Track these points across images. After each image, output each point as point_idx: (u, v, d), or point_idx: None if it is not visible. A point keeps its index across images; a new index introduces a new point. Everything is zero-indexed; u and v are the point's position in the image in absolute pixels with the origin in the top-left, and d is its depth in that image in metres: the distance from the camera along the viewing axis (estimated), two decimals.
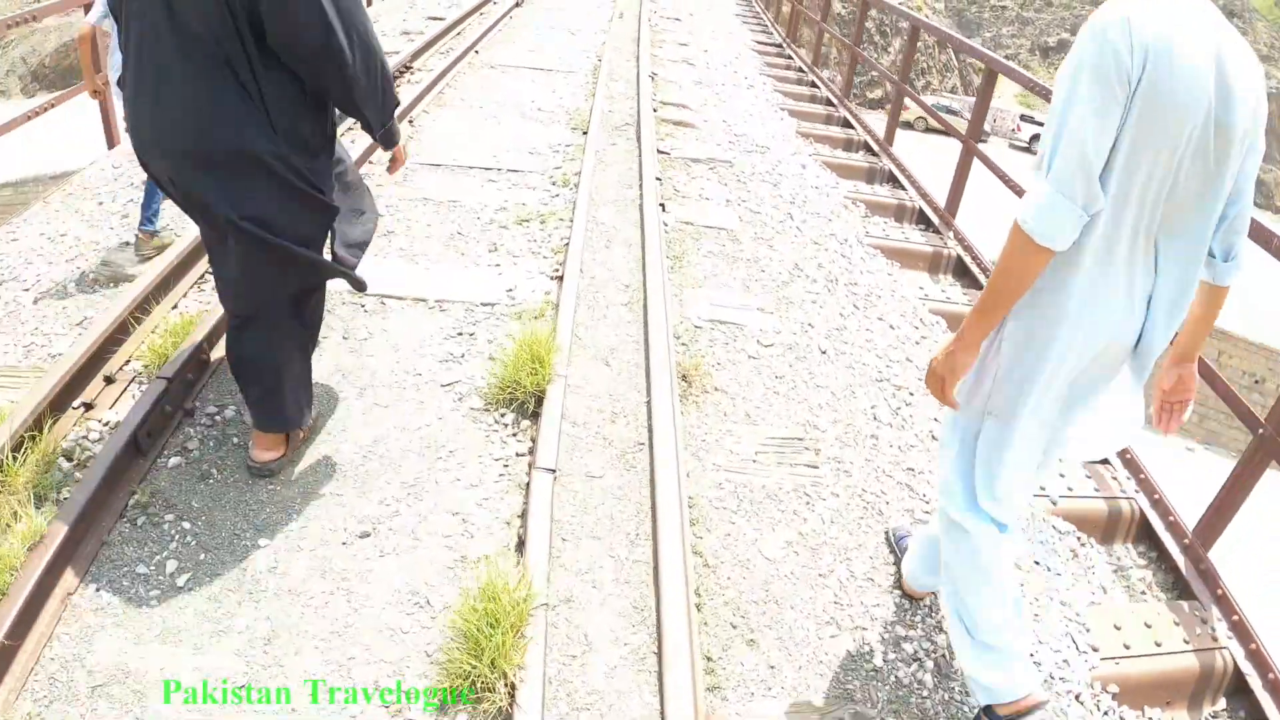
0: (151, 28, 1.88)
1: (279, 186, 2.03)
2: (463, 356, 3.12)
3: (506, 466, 2.63)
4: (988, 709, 1.93)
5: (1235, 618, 2.85)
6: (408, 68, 6.61)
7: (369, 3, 11.68)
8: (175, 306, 3.35)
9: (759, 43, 11.72)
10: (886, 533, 2.66)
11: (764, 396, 3.22)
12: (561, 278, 3.61)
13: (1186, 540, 3.18)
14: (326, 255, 2.34)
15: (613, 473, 2.59)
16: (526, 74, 7.09)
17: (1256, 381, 21.41)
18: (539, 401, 2.79)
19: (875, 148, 7.58)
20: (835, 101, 8.97)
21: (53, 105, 5.16)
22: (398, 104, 2.23)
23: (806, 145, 7.34)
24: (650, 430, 2.72)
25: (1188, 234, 1.60)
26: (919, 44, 35.94)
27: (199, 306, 3.35)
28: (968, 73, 37.37)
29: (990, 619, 1.91)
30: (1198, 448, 19.48)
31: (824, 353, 3.68)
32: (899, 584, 2.48)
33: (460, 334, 3.25)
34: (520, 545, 2.32)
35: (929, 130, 31.95)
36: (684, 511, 2.43)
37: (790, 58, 11.25)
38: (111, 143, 5.89)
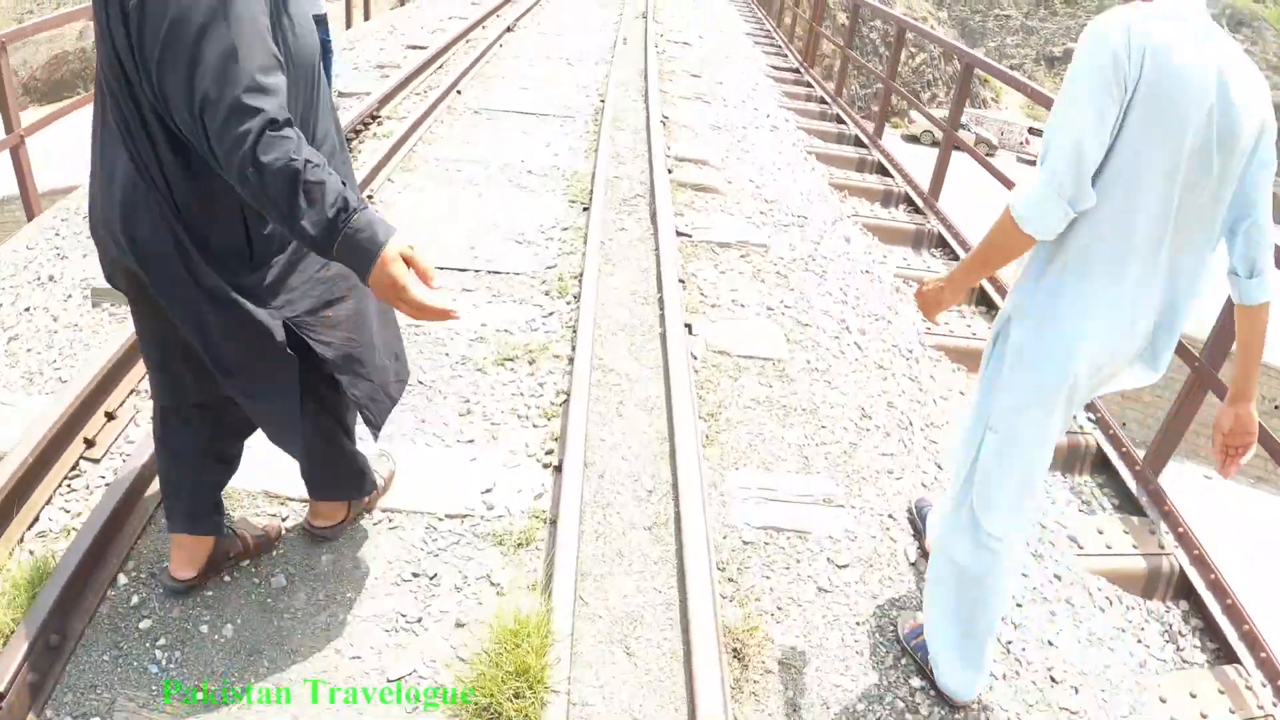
0: (98, 94, 1.57)
1: (208, 301, 1.62)
2: (419, 621, 2.09)
3: None
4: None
5: None
6: (374, 117, 5.56)
7: (348, 24, 10.63)
8: (34, 523, 2.34)
9: (775, 68, 10.70)
10: (909, 509, 2.73)
11: (844, 661, 2.21)
12: (559, 468, 2.58)
13: None
14: None
15: None
16: (516, 121, 6.04)
17: (1276, 407, 20.75)
18: None
19: (920, 203, 6.58)
20: (866, 142, 7.96)
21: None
22: (331, 217, 1.41)
23: (842, 202, 6.33)
24: None
25: (1195, 243, 1.63)
26: (926, 54, 35.01)
27: (66, 521, 2.33)
28: (974, 84, 36.43)
29: (976, 633, 2.00)
30: (1216, 475, 18.66)
31: (913, 564, 2.67)
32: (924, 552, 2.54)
33: (416, 575, 2.22)
34: None
35: (937, 144, 30.93)
36: None
37: (810, 85, 10.23)
38: (30, 213, 4.85)
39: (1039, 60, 43.03)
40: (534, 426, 2.81)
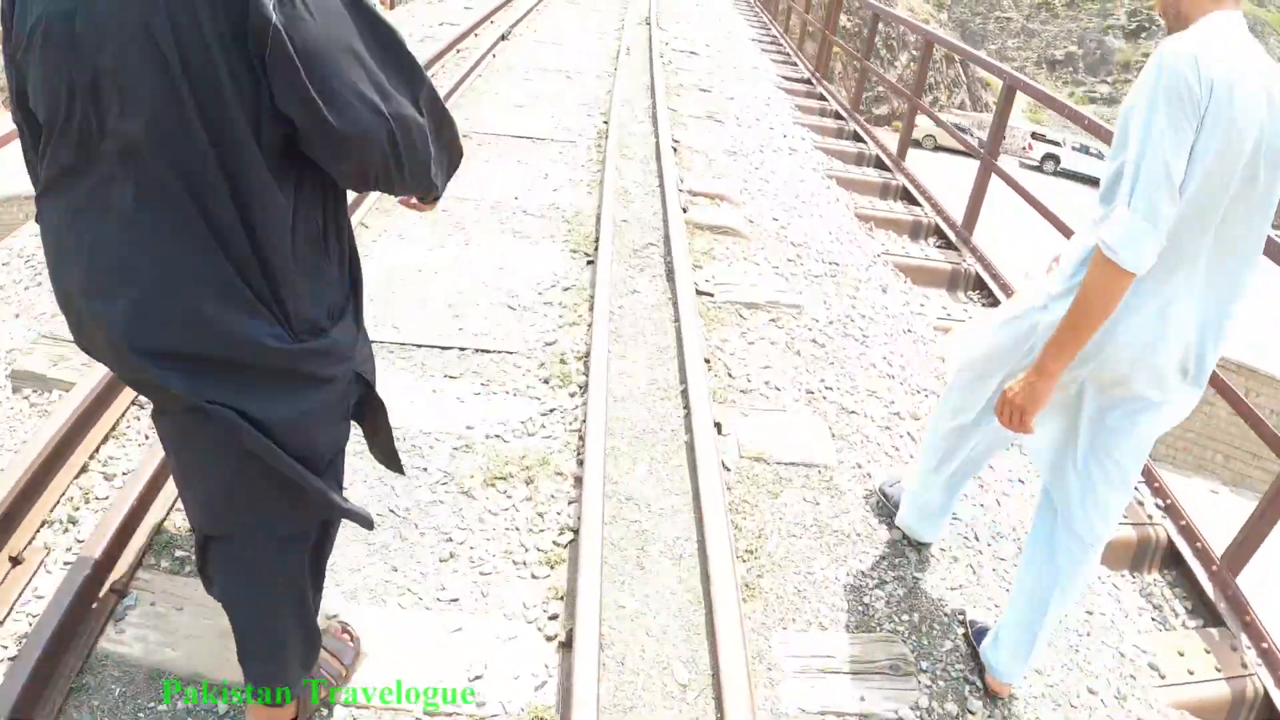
0: (83, 176, 1.19)
1: (284, 382, 1.32)
2: None
3: None
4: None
5: None
6: None
7: None
8: None
9: (785, 79, 10.12)
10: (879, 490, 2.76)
11: None
12: (567, 643, 2.00)
13: None
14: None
15: None
16: (510, 147, 5.43)
17: None
18: None
19: (953, 237, 6.01)
20: (890, 164, 7.39)
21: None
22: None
23: (869, 235, 5.76)
24: None
25: (1238, 256, 1.68)
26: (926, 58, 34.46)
27: None
28: (976, 88, 35.89)
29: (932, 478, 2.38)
30: (1223, 490, 18.37)
31: None
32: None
33: None
34: None
35: (938, 149, 30.47)
36: None
37: (824, 98, 9.65)
38: None
39: (1040, 63, 42.53)
40: (534, 577, 2.22)
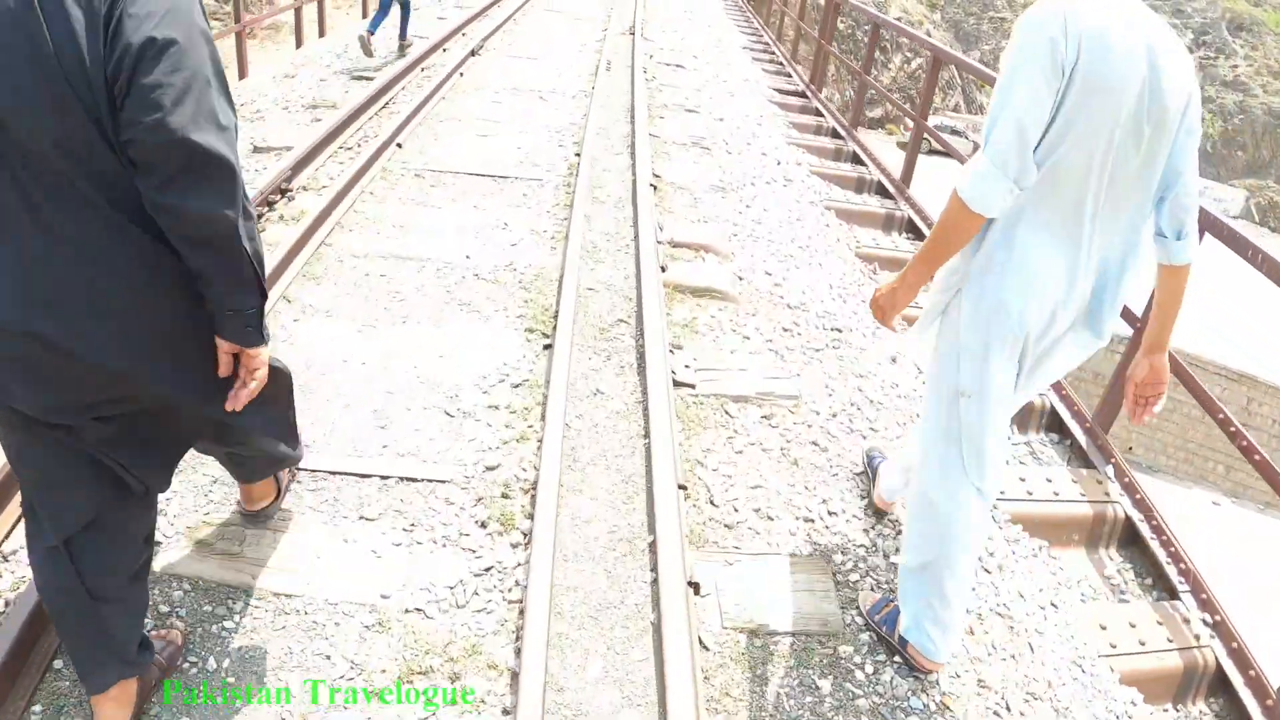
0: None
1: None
2: None
3: None
4: (904, 644, 2.14)
5: None
6: (283, 191, 4.34)
7: (298, 43, 9.35)
8: None
9: (779, 92, 9.55)
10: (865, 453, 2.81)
11: None
12: None
13: None
14: None
15: None
16: (468, 188, 4.84)
17: None
18: None
19: None
20: (893, 192, 6.83)
21: None
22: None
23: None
24: None
25: (1128, 208, 1.73)
26: (922, 59, 33.94)
27: None
28: (970, 89, 35.36)
29: (955, 590, 2.02)
30: (1224, 501, 17.98)
31: None
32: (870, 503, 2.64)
33: None
34: None
35: (932, 152, 29.81)
36: None
37: (820, 114, 9.08)
38: None
39: None
40: None
